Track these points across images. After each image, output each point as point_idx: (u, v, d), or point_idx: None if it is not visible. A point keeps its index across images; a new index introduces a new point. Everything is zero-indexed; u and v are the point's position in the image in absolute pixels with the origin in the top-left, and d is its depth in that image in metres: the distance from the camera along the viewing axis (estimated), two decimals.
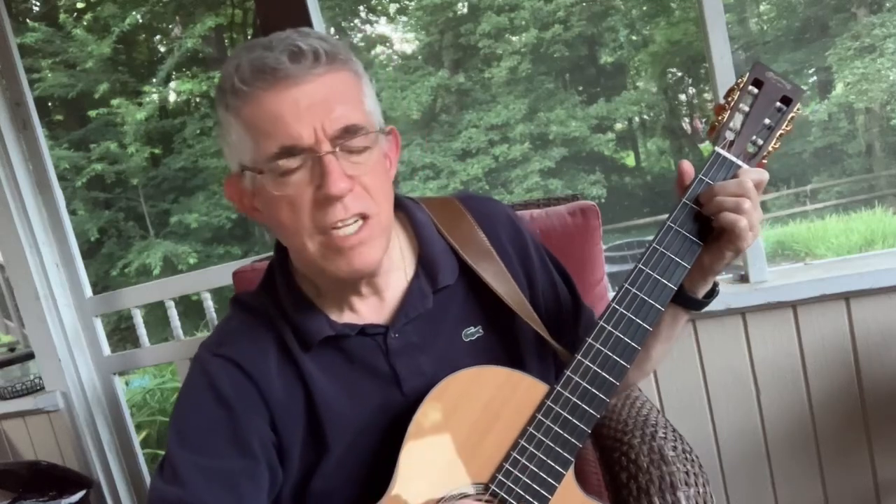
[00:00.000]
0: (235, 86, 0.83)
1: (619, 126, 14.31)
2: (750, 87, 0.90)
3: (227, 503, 0.88)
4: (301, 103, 0.82)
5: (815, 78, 12.74)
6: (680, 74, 14.72)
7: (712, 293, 0.95)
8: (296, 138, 0.82)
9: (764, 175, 0.87)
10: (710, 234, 0.88)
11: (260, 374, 0.92)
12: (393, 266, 0.96)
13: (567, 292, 1.07)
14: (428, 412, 0.88)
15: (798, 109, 0.90)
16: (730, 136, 0.89)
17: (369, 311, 0.96)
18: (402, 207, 1.01)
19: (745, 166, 0.88)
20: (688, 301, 0.94)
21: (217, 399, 0.91)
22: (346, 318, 0.95)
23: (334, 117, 0.83)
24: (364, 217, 0.86)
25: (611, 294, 1.45)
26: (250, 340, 0.94)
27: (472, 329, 0.98)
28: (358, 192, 0.85)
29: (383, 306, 0.96)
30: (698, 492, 0.99)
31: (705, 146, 14.17)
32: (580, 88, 14.15)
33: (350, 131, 0.84)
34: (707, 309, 0.97)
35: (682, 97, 15.42)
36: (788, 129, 0.90)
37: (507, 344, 0.99)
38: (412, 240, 1.00)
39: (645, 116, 14.92)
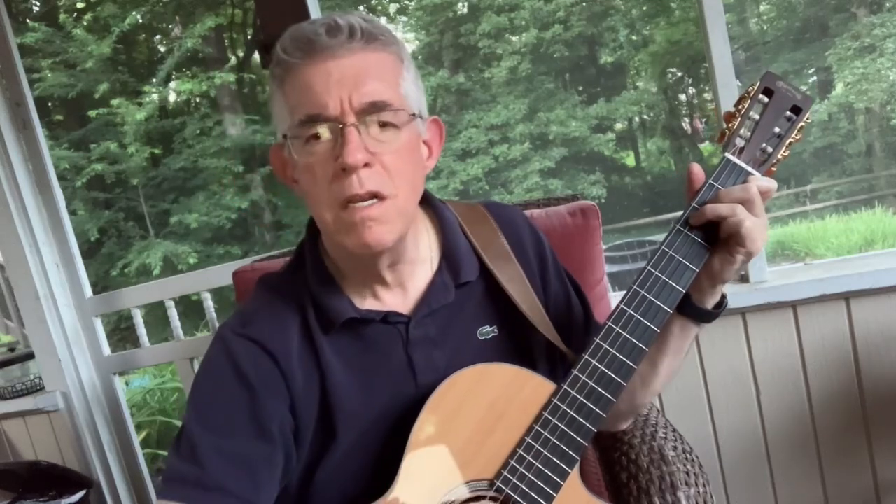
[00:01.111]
0: (279, 56, 0.87)
1: (619, 126, 14.31)
2: (760, 96, 0.91)
3: (245, 488, 0.87)
4: (333, 75, 0.84)
5: (815, 78, 12.74)
6: (680, 74, 14.71)
7: (721, 304, 0.95)
8: (321, 107, 0.84)
9: (772, 184, 0.87)
10: (719, 238, 0.88)
11: (282, 355, 0.92)
12: (420, 258, 0.98)
13: (581, 309, 1.08)
14: (435, 408, 0.89)
15: (808, 119, 0.91)
16: (740, 142, 0.90)
17: (393, 300, 0.97)
18: (431, 204, 1.03)
19: (755, 173, 0.89)
20: (698, 313, 0.93)
21: (239, 379, 0.91)
22: (369, 304, 0.96)
23: (364, 91, 0.85)
24: (378, 196, 0.86)
25: (611, 294, 1.45)
26: (273, 320, 0.94)
27: (488, 328, 0.99)
28: (377, 170, 0.86)
29: (407, 297, 0.97)
30: (698, 492, 0.99)
31: (705, 146, 14.20)
32: (580, 88, 14.15)
33: (377, 106, 0.86)
34: None
35: (682, 97, 15.42)
36: (798, 137, 0.91)
37: (520, 346, 1.00)
38: (438, 235, 1.01)
39: (645, 116, 14.92)
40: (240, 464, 0.88)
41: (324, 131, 0.85)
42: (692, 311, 0.93)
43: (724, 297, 0.95)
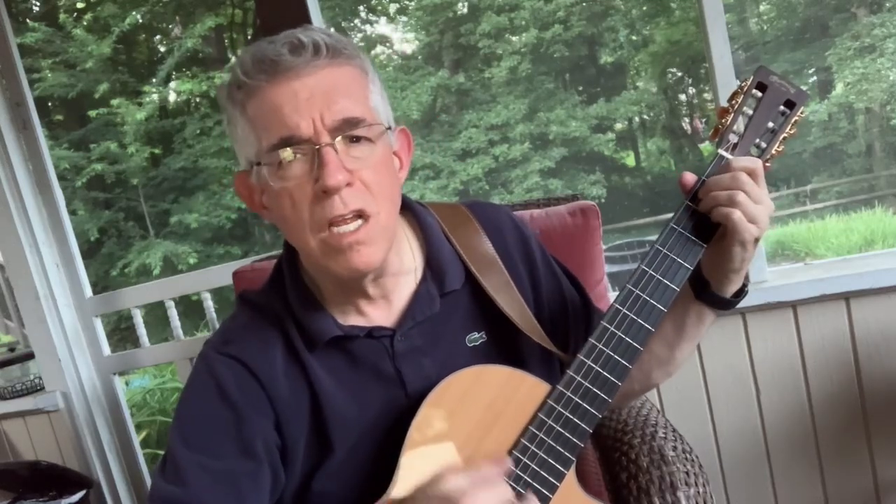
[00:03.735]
0: (239, 79, 0.85)
1: (619, 126, 14.31)
2: (753, 91, 0.90)
3: None
4: (301, 95, 0.82)
5: (815, 78, 12.75)
6: (680, 74, 14.72)
7: (741, 293, 0.92)
8: (293, 129, 0.82)
9: (755, 163, 0.85)
10: (714, 233, 0.88)
11: (266, 373, 0.92)
12: (403, 269, 0.96)
13: (577, 297, 1.06)
14: (430, 412, 0.88)
15: (802, 113, 0.90)
16: (733, 138, 0.89)
17: (377, 313, 0.95)
18: (412, 210, 1.01)
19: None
20: (714, 300, 0.92)
21: (222, 398, 0.90)
22: (352, 320, 0.95)
23: (335, 109, 0.83)
24: (363, 216, 0.85)
25: (611, 294, 1.45)
26: (256, 339, 0.93)
27: (476, 335, 0.98)
28: (357, 188, 0.84)
29: (391, 309, 0.96)
30: (698, 492, 0.99)
31: (705, 146, 14.21)
32: (580, 88, 14.15)
33: (351, 123, 0.84)
34: None
35: (682, 97, 15.43)
36: (792, 132, 0.90)
37: (510, 351, 0.99)
38: (421, 243, 0.99)
39: (645, 116, 14.92)
40: (224, 482, 0.88)
41: (298, 154, 0.83)
42: (710, 300, 0.91)
43: (744, 285, 0.92)
